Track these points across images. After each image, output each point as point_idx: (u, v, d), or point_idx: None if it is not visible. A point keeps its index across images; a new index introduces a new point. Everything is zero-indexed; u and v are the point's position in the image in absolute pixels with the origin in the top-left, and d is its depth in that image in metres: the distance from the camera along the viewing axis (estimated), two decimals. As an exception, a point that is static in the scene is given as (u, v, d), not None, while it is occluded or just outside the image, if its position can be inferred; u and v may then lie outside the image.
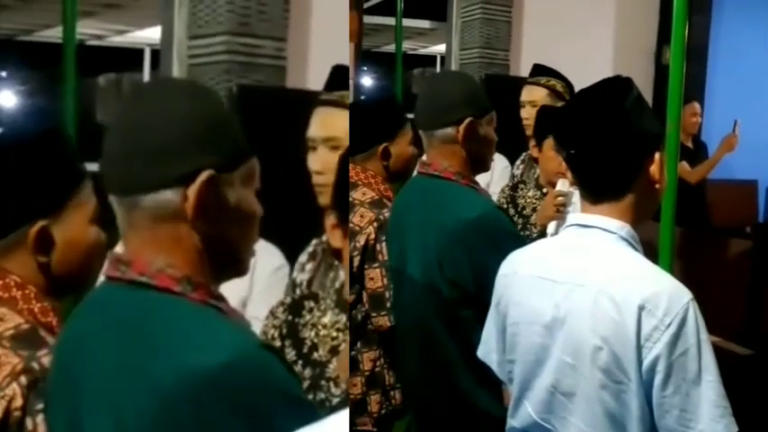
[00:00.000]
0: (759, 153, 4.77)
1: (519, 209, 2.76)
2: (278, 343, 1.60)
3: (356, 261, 2.17)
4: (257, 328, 1.75)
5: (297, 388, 1.00)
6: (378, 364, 2.23)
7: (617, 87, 1.39)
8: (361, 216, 2.19)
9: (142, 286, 0.98)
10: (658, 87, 4.46)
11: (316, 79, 3.07)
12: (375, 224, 2.17)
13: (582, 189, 1.42)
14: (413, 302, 1.93)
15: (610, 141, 1.35)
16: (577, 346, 1.32)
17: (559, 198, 2.43)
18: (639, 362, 1.26)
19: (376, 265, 2.16)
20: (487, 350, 1.57)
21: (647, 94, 4.45)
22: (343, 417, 0.82)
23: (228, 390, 0.89)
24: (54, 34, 5.83)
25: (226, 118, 1.05)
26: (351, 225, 2.18)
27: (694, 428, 1.25)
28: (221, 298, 1.03)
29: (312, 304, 1.61)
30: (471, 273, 1.79)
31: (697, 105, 4.52)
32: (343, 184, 1.45)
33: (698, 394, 1.25)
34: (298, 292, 2.02)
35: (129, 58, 7.08)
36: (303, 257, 2.05)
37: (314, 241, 2.04)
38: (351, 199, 2.24)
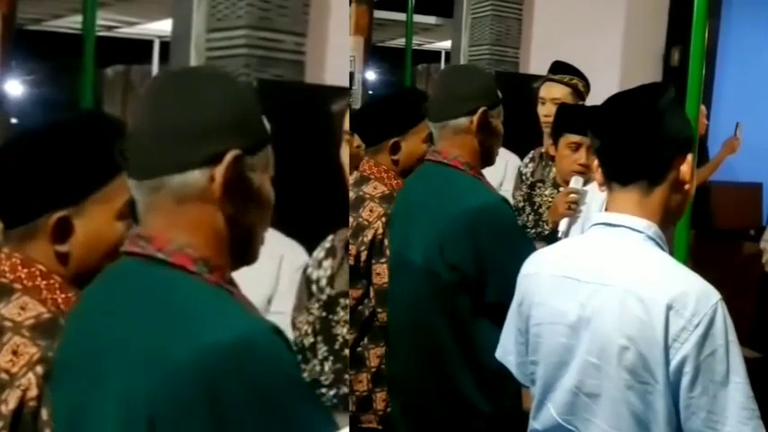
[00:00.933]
0: (764, 156, 4.77)
1: (535, 207, 2.76)
2: (311, 339, 1.60)
3: (363, 256, 2.16)
4: (282, 323, 1.76)
5: (298, 372, 1.03)
6: (384, 360, 2.21)
7: (654, 88, 1.41)
8: (371, 211, 2.18)
9: (159, 262, 1.00)
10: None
11: (333, 75, 3.08)
12: (383, 219, 2.16)
13: (611, 181, 1.41)
14: (410, 288, 1.94)
15: (640, 129, 1.36)
16: (603, 346, 1.31)
17: (572, 195, 2.42)
18: (667, 362, 1.25)
19: (383, 260, 2.15)
20: (505, 352, 1.56)
21: (656, 96, 4.44)
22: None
23: (240, 369, 0.90)
24: (64, 24, 5.82)
25: (251, 103, 1.07)
26: (360, 219, 2.18)
27: (721, 431, 1.24)
28: (234, 283, 1.05)
29: (346, 302, 1.61)
30: (472, 257, 1.80)
31: (703, 108, 4.52)
32: None
33: (725, 396, 1.24)
34: (314, 288, 2.01)
35: (138, 49, 7.06)
36: (320, 254, 2.04)
37: (330, 237, 2.04)
38: (361, 193, 2.24)
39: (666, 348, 1.25)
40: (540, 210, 2.77)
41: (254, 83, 3.01)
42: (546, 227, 2.62)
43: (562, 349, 1.38)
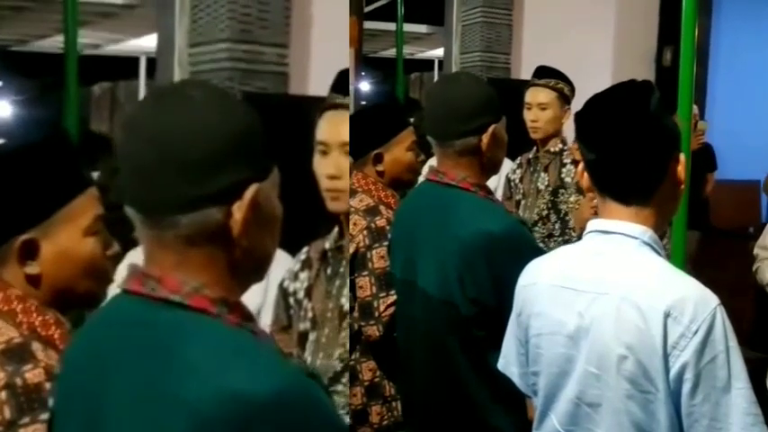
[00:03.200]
0: (760, 153, 4.75)
1: (561, 215, 2.72)
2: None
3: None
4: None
5: (336, 415, 0.95)
6: (377, 374, 2.19)
7: (640, 90, 1.37)
8: (354, 224, 2.14)
9: (174, 306, 0.91)
10: (660, 89, 4.44)
11: (317, 85, 3.07)
12: (365, 232, 2.13)
13: (605, 194, 1.38)
14: (425, 317, 1.86)
15: (638, 143, 1.32)
16: (602, 355, 1.29)
17: (597, 200, 2.40)
18: (666, 370, 1.22)
19: (365, 273, 2.12)
20: (508, 363, 1.53)
21: (649, 97, 4.43)
22: None
23: (277, 419, 0.84)
24: (49, 44, 5.83)
25: (258, 125, 0.98)
26: None
27: None
28: (252, 318, 0.97)
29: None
30: (493, 289, 1.72)
31: (695, 107, 4.50)
32: None
33: (728, 402, 1.21)
34: (291, 300, 1.97)
35: (125, 66, 7.07)
36: (295, 266, 1.99)
37: (305, 249, 2.00)
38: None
39: (666, 356, 1.22)
40: (567, 217, 2.73)
41: (238, 96, 3.00)
42: (573, 234, 2.59)
43: (562, 360, 1.36)
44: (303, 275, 1.97)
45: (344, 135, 1.85)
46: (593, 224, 1.40)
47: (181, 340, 0.89)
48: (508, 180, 3.06)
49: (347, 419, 2.12)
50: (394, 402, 2.19)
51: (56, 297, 1.27)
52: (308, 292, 1.92)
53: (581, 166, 1.42)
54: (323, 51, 3.20)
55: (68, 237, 1.26)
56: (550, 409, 1.41)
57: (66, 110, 2.53)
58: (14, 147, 1.28)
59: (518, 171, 3.02)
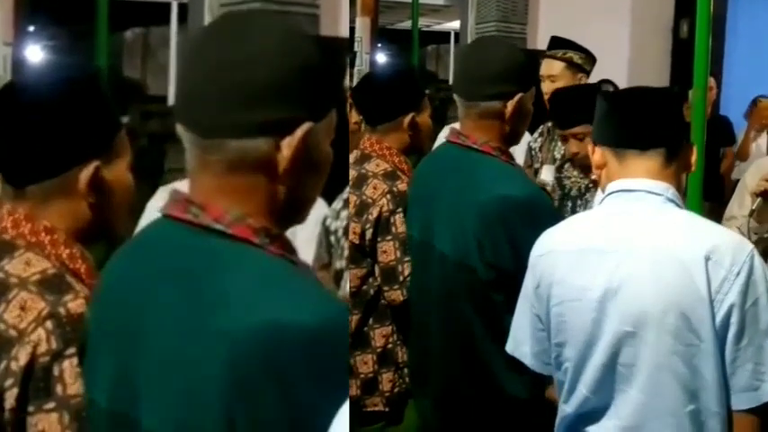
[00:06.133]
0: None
1: (566, 191, 2.72)
2: None
3: (369, 234, 2.10)
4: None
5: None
6: (390, 340, 2.15)
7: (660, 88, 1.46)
8: (374, 188, 2.12)
9: (217, 233, 0.90)
10: (676, 61, 4.43)
11: (347, 29, 3.07)
12: (388, 196, 2.10)
13: (626, 148, 1.38)
14: (441, 280, 1.84)
15: (666, 100, 1.37)
16: (638, 313, 1.28)
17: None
18: (712, 316, 1.23)
19: (389, 237, 2.09)
20: (518, 344, 1.52)
21: (666, 69, 4.42)
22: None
23: (317, 350, 0.84)
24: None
25: (322, 65, 0.95)
26: (363, 197, 2.14)
27: None
28: (294, 250, 0.96)
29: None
30: (511, 254, 1.70)
31: (712, 79, 4.48)
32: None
33: None
34: (332, 239, 2.00)
35: (157, 12, 7.02)
36: (338, 204, 2.03)
37: (347, 188, 2.02)
38: (364, 171, 2.20)
39: (711, 302, 1.23)
40: (572, 193, 2.73)
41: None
42: (578, 210, 2.60)
43: (590, 325, 1.34)
44: (344, 214, 1.99)
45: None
46: (612, 186, 1.39)
47: (222, 269, 0.88)
48: (530, 148, 3.06)
49: (355, 390, 2.14)
50: (406, 369, 2.16)
51: (92, 228, 1.25)
52: (346, 231, 1.94)
53: (590, 144, 1.43)
54: None
55: (120, 169, 1.25)
56: (580, 378, 1.38)
57: (97, 55, 2.54)
58: (61, 85, 1.27)
59: (539, 139, 3.02)
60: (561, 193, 2.68)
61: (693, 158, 1.40)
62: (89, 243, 1.27)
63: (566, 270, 1.38)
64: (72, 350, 1.11)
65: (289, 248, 0.95)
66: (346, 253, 1.94)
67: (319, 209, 2.09)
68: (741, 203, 2.54)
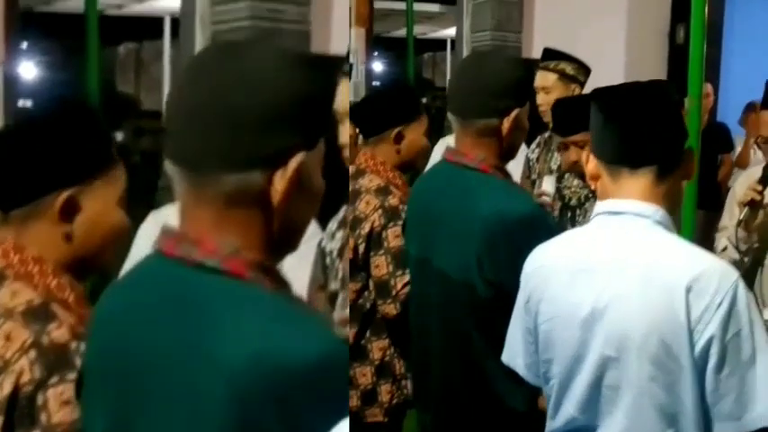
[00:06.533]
0: (776, 132, 4.71)
1: (566, 200, 2.72)
2: None
3: (361, 248, 2.15)
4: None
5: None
6: (388, 353, 2.21)
7: (659, 84, 1.38)
8: (367, 203, 2.17)
9: (209, 270, 0.90)
10: (673, 67, 4.43)
11: (339, 44, 3.07)
12: (380, 211, 2.14)
13: (617, 164, 1.35)
14: (441, 298, 1.85)
15: (660, 112, 1.32)
16: (621, 337, 1.27)
17: (544, 197, 2.43)
18: (692, 346, 1.21)
19: (381, 252, 2.14)
20: (513, 355, 1.52)
21: (662, 74, 4.41)
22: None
23: (313, 385, 0.84)
24: (74, 5, 5.83)
25: (317, 92, 0.94)
26: (357, 212, 2.18)
27: (753, 411, 1.21)
28: (287, 284, 0.96)
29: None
30: (511, 271, 1.67)
31: (708, 86, 4.47)
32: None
33: (753, 376, 1.21)
34: (327, 260, 2.01)
35: (150, 26, 7.04)
36: (333, 225, 2.04)
37: (343, 207, 2.04)
38: (358, 186, 2.23)
39: (690, 331, 1.21)
40: (572, 203, 2.73)
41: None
42: (578, 220, 2.60)
43: (577, 344, 1.33)
44: (339, 235, 2.01)
45: (346, 104, 1.90)
46: (601, 206, 1.38)
47: (217, 303, 0.88)
48: (527, 159, 3.07)
49: (355, 401, 2.16)
50: (404, 381, 2.21)
51: (76, 261, 1.27)
52: (341, 252, 1.95)
53: (585, 153, 1.40)
54: (344, 9, 3.19)
55: (105, 203, 1.27)
56: (566, 396, 1.38)
57: (88, 71, 2.54)
58: (57, 106, 1.30)
59: (536, 150, 3.02)
60: (561, 204, 2.67)
61: (692, 165, 1.37)
62: (78, 276, 1.28)
63: (555, 288, 1.37)
64: (56, 378, 1.13)
65: (281, 282, 0.95)
66: (341, 274, 1.95)
67: (310, 227, 2.10)
68: (731, 214, 2.53)
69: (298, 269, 2.03)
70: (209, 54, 0.96)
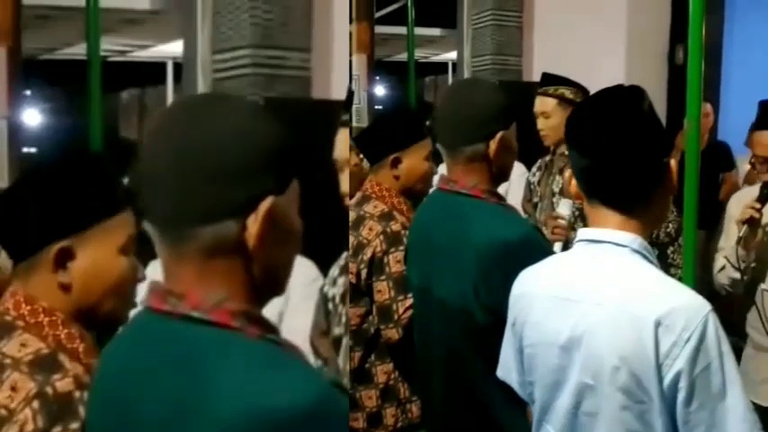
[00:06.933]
0: (776, 150, 4.72)
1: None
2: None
3: (364, 274, 2.18)
4: (296, 340, 1.78)
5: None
6: (392, 377, 2.23)
7: (630, 94, 1.36)
8: (370, 229, 2.20)
9: (196, 321, 0.92)
10: (672, 88, 4.45)
11: (340, 89, 3.10)
12: (381, 237, 2.17)
13: (595, 200, 1.37)
14: (441, 326, 1.88)
15: (632, 148, 1.31)
16: (596, 366, 1.29)
17: (559, 221, 2.44)
18: (660, 380, 1.23)
19: (383, 277, 2.16)
20: (507, 371, 1.54)
21: (662, 95, 4.43)
22: None
23: (313, 429, 0.85)
24: (76, 51, 5.89)
25: (281, 137, 0.98)
26: (360, 238, 2.20)
27: None
28: (275, 329, 0.98)
29: None
30: (507, 298, 1.68)
31: (708, 106, 4.48)
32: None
33: (724, 409, 1.22)
34: (330, 306, 2.04)
35: (152, 72, 7.10)
36: (335, 271, 2.06)
37: (344, 254, 2.06)
38: (362, 212, 2.25)
39: (658, 366, 1.23)
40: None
41: (260, 102, 3.04)
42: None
43: (557, 370, 1.36)
44: (341, 281, 2.03)
45: (346, 153, 1.94)
46: (582, 233, 1.40)
47: (206, 356, 0.90)
48: (528, 183, 3.09)
49: (361, 423, 2.17)
50: (408, 404, 2.23)
51: (81, 312, 1.30)
52: (344, 298, 1.97)
53: (568, 172, 1.41)
54: (343, 55, 3.22)
55: (103, 252, 1.29)
56: (547, 419, 1.41)
57: (91, 117, 2.57)
58: (56, 157, 1.33)
59: (537, 174, 3.04)
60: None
61: (672, 175, 1.37)
62: (87, 325, 1.31)
63: (537, 314, 1.40)
64: (59, 428, 1.15)
65: (269, 328, 0.96)
66: (344, 320, 1.97)
67: (310, 271, 2.13)
68: (728, 234, 2.54)
69: (300, 315, 2.06)
70: (172, 113, 0.99)
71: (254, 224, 0.93)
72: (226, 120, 0.94)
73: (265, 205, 0.93)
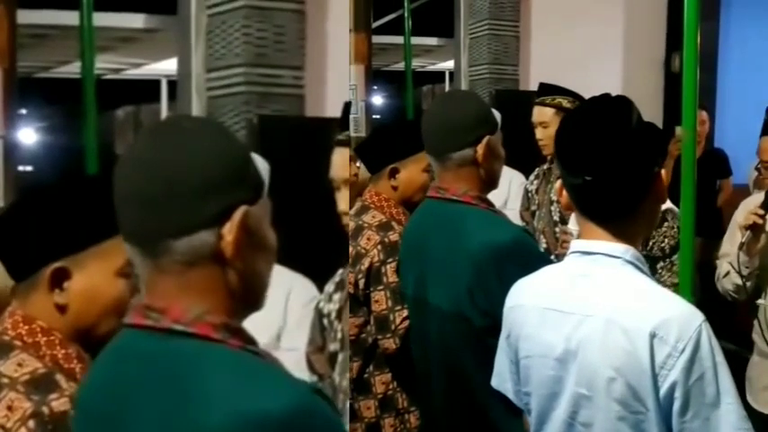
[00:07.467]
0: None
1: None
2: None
3: (361, 284, 2.19)
4: (294, 360, 1.77)
5: (342, 427, 0.98)
6: (390, 387, 2.24)
7: (618, 106, 1.36)
8: (368, 239, 2.21)
9: (179, 334, 0.95)
10: (668, 96, 4.46)
11: (334, 106, 3.11)
12: (379, 247, 2.19)
13: (586, 215, 1.38)
14: (439, 333, 1.89)
15: (622, 165, 1.31)
16: (591, 377, 1.30)
17: (568, 236, 2.46)
18: (656, 390, 1.24)
19: (381, 287, 2.17)
20: (502, 380, 1.55)
21: (658, 103, 4.45)
22: None
23: None
24: (71, 70, 5.91)
25: (246, 150, 1.03)
26: (358, 248, 2.21)
27: None
28: (254, 341, 1.00)
29: None
30: (502, 297, 1.69)
31: (704, 113, 4.49)
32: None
33: (717, 418, 1.23)
34: (325, 322, 2.04)
35: (147, 90, 7.13)
36: (330, 287, 2.07)
37: (340, 271, 2.07)
38: (360, 222, 2.26)
39: (654, 377, 1.24)
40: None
41: (254, 120, 3.05)
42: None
43: (552, 381, 1.37)
44: (337, 297, 2.04)
45: (346, 172, 1.95)
46: (574, 245, 1.40)
47: (189, 368, 0.92)
48: (526, 191, 3.10)
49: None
50: (407, 414, 2.24)
51: (78, 332, 1.31)
52: (339, 314, 1.98)
53: (558, 183, 1.41)
54: (340, 72, 3.23)
55: (100, 273, 1.31)
56: (543, 428, 1.42)
57: (86, 135, 2.58)
58: (53, 178, 1.35)
59: (535, 182, 3.06)
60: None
61: (662, 185, 1.37)
62: (85, 347, 1.32)
63: (532, 326, 1.41)
64: None
65: (249, 340, 0.99)
66: (340, 335, 1.98)
67: (309, 291, 2.14)
68: (732, 240, 2.55)
69: (299, 334, 2.07)
70: (142, 136, 1.04)
71: (229, 232, 0.96)
72: (189, 138, 0.98)
73: (239, 213, 0.97)
